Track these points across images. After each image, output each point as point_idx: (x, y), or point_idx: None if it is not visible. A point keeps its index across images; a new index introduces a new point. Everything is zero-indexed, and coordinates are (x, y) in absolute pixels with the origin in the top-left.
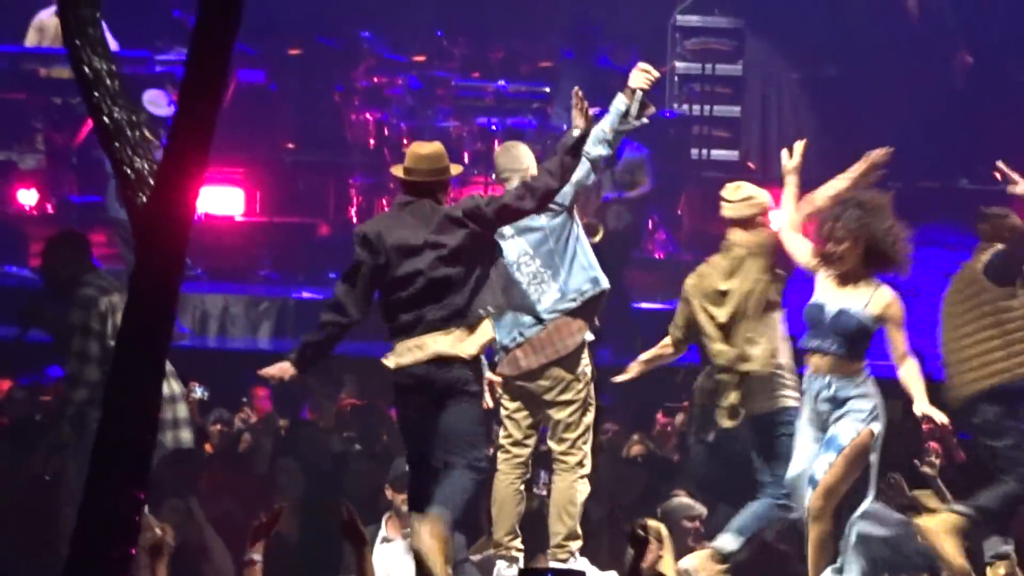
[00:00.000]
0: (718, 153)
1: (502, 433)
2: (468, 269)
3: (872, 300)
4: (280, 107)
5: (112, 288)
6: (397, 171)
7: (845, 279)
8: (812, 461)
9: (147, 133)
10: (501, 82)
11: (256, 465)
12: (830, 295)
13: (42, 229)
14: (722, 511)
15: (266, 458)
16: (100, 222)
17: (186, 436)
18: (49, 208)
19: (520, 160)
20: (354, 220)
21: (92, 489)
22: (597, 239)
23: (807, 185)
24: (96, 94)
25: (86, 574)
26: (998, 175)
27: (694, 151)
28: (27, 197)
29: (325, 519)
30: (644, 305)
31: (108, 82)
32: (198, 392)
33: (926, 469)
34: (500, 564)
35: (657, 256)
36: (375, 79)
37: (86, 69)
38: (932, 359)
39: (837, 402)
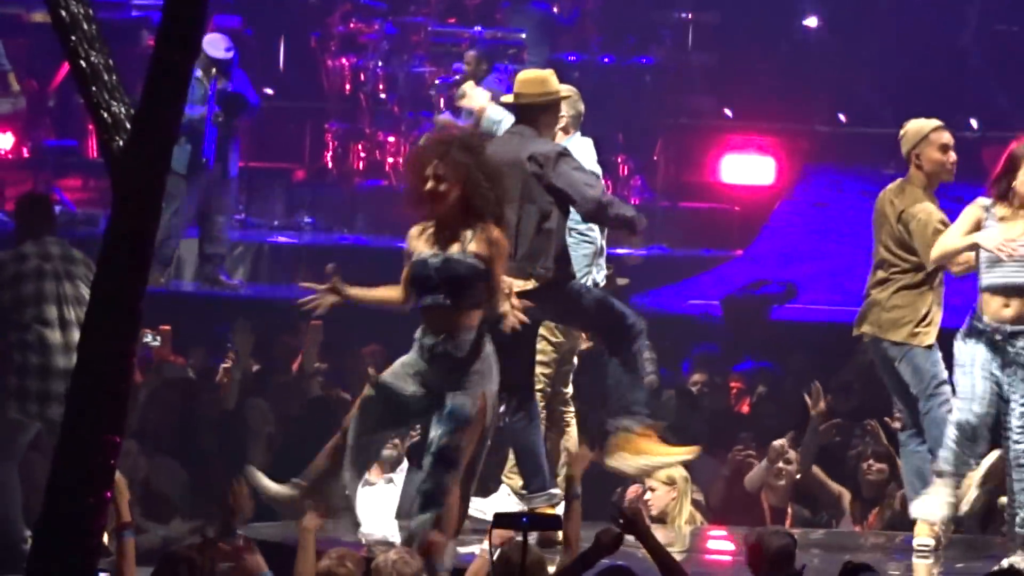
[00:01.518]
0: (694, 100)
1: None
2: None
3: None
4: (256, 53)
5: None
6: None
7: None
8: None
9: (201, 74)
10: (477, 28)
11: (224, 401)
12: None
13: (18, 174)
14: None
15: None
16: (75, 167)
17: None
18: (25, 152)
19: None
20: (329, 165)
21: (68, 436)
22: None
23: (786, 135)
24: (73, 38)
25: (62, 520)
26: None
27: (669, 98)
28: (3, 141)
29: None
30: (619, 251)
31: (85, 26)
32: (149, 338)
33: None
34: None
35: (633, 202)
36: (351, 25)
37: (63, 13)
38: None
39: None
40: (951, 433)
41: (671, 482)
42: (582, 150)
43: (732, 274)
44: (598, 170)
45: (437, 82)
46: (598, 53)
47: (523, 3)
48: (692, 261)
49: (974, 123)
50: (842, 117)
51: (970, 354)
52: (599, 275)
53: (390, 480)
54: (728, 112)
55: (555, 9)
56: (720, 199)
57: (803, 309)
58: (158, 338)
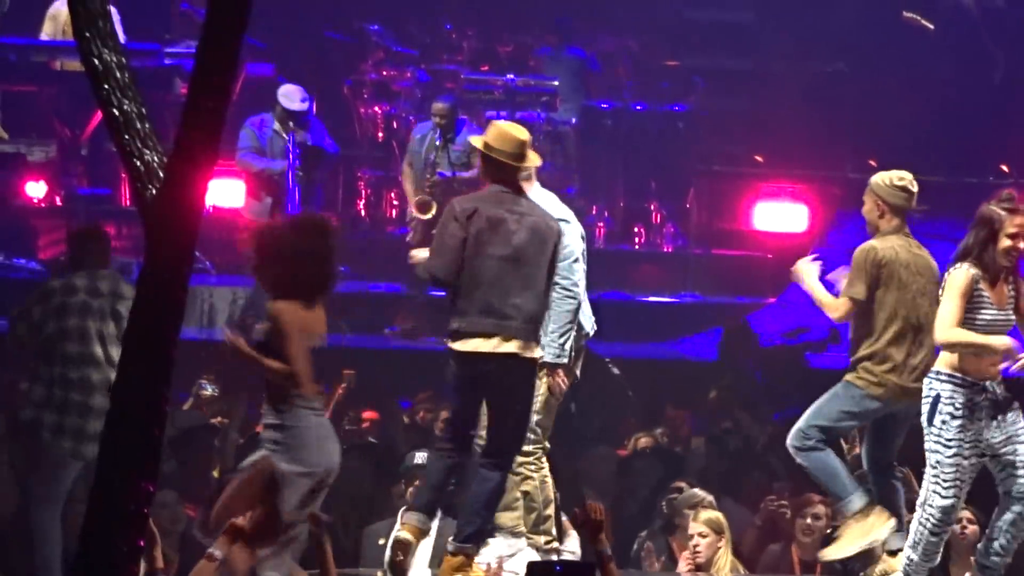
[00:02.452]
0: (727, 147)
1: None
2: None
3: None
4: None
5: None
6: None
7: None
8: None
9: (278, 127)
10: (510, 75)
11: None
12: None
13: (50, 221)
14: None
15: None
16: (108, 215)
17: None
18: (58, 200)
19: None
20: (362, 213)
21: (102, 482)
22: (430, 215)
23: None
24: (106, 86)
25: (95, 566)
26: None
27: (702, 145)
28: (36, 190)
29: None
30: (652, 299)
31: (118, 74)
32: (208, 389)
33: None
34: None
35: (666, 250)
36: (384, 72)
37: (96, 61)
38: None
39: None
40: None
41: (720, 530)
42: (545, 200)
43: (766, 321)
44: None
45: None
46: (631, 100)
47: (559, 51)
48: (725, 308)
49: (1005, 168)
50: (872, 163)
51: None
52: (588, 325)
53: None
54: (759, 158)
55: (588, 55)
56: (753, 246)
57: (839, 356)
58: (216, 388)
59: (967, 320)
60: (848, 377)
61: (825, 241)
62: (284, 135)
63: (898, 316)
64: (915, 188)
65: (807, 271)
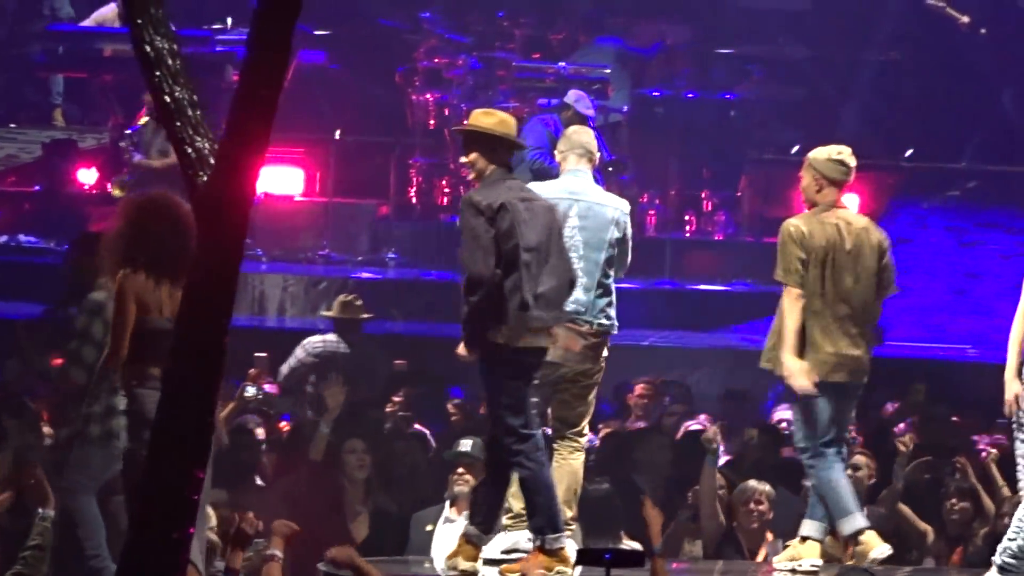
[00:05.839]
0: (777, 135)
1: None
2: None
3: None
4: (341, 88)
5: None
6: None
7: None
8: None
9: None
10: (561, 63)
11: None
12: None
13: (102, 209)
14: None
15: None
16: None
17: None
18: (109, 187)
19: (579, 143)
20: (414, 201)
21: (153, 470)
22: None
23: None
24: (157, 73)
25: (146, 554)
26: None
27: (754, 133)
28: (87, 176)
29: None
30: (703, 287)
31: (169, 61)
32: (251, 391)
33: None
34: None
35: (717, 237)
36: (436, 60)
37: (147, 48)
38: (992, 342)
39: None
40: None
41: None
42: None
43: None
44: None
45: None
46: (683, 88)
47: (605, 41)
48: (777, 296)
49: None
50: (908, 153)
51: None
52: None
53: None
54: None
55: (640, 43)
56: None
57: (888, 346)
58: (260, 391)
59: None
60: None
61: None
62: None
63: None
64: (853, 163)
65: None
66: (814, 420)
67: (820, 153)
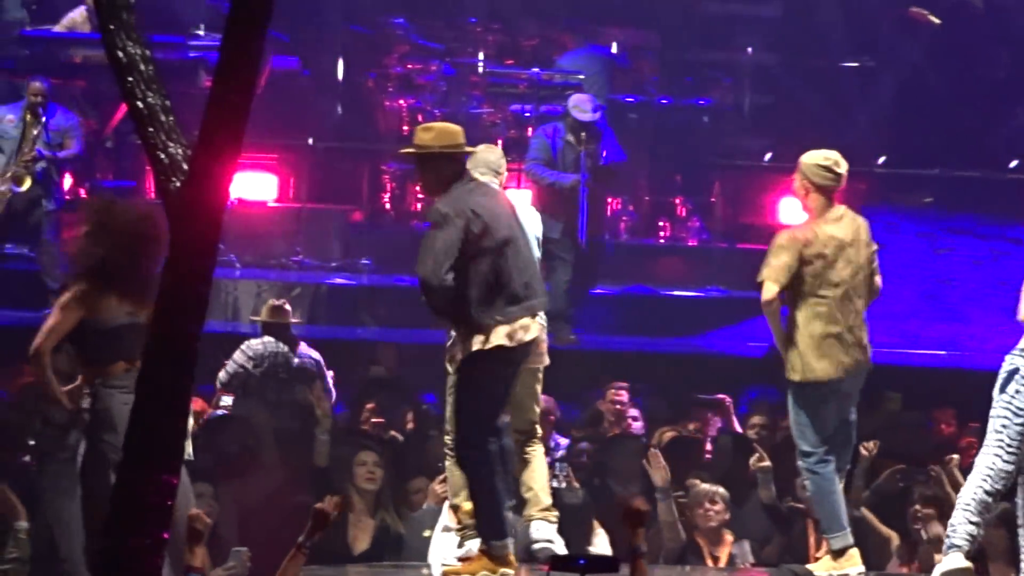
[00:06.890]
0: (750, 141)
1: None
2: None
3: None
4: (313, 94)
5: None
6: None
7: None
8: None
9: (572, 139)
10: (534, 69)
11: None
12: None
13: (74, 215)
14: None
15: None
16: None
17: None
18: (82, 193)
19: (483, 160)
20: (387, 207)
21: (125, 476)
22: (25, 188)
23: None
24: (130, 79)
25: (119, 560)
26: None
27: (727, 139)
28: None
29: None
30: (676, 293)
31: (142, 67)
32: (226, 400)
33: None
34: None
35: (690, 244)
36: (408, 66)
37: (120, 54)
38: (965, 347)
39: None
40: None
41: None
42: None
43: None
44: None
45: (497, 121)
46: (655, 94)
47: (580, 47)
48: (750, 303)
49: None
50: (880, 159)
51: None
52: None
53: None
54: (768, 156)
55: (612, 49)
56: None
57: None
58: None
59: None
60: None
61: None
62: (577, 147)
63: None
64: (841, 169)
65: None
66: (819, 423)
67: (809, 158)
